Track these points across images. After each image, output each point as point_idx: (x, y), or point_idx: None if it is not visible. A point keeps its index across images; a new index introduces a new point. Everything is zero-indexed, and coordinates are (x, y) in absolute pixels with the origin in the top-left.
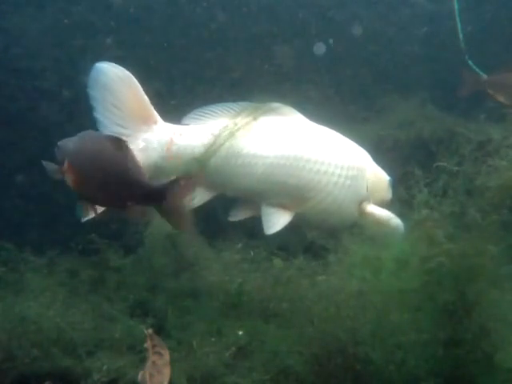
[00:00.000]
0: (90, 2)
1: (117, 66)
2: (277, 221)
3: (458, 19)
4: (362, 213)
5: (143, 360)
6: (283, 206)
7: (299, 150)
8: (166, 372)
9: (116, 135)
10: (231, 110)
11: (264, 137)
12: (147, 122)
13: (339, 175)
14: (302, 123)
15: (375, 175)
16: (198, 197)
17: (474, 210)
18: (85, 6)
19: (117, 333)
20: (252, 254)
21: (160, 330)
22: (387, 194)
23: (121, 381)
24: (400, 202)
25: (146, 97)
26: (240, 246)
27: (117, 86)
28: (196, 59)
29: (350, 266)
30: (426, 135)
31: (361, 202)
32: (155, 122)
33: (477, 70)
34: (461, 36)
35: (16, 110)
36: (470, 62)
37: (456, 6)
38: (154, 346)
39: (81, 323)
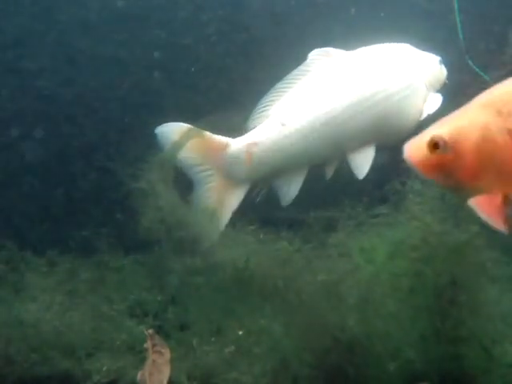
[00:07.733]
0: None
1: (175, 124)
2: (365, 161)
3: (457, 19)
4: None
5: (143, 360)
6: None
7: (365, 90)
8: (166, 370)
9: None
10: (282, 91)
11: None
12: (220, 152)
13: (398, 92)
14: (347, 62)
15: (429, 67)
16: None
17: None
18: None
19: (116, 333)
20: (261, 236)
21: (160, 330)
22: (442, 74)
23: (121, 381)
24: (395, 193)
25: (206, 133)
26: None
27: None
28: None
29: (346, 253)
30: None
31: (424, 101)
32: (226, 147)
33: (477, 70)
34: (461, 36)
35: (16, 110)
36: (470, 62)
37: (456, 6)
38: (154, 346)
39: (80, 325)
